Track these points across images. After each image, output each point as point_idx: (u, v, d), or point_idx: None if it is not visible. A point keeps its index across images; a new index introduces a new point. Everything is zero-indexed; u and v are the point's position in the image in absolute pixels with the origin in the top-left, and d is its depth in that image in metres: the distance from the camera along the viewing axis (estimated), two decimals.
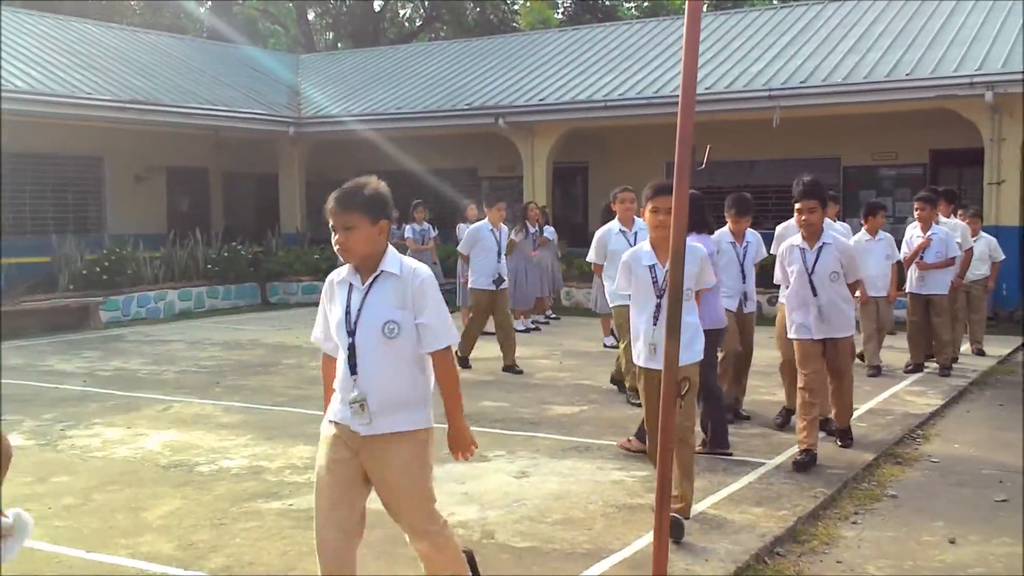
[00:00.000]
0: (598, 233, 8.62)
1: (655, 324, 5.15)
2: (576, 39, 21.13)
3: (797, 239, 6.76)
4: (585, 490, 5.92)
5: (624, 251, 6.01)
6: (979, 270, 11.33)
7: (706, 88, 16.07)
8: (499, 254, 10.51)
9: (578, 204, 20.38)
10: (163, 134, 18.20)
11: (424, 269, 3.65)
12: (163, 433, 7.61)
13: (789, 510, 5.50)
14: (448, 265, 16.75)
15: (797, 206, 6.62)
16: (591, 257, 8.70)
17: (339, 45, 37.80)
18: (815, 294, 6.54)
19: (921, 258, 9.97)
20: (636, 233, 8.32)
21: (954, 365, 10.26)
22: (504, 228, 10.93)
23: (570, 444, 7.11)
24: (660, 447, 3.26)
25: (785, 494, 5.80)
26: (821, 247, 6.58)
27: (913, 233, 10.19)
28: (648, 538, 4.44)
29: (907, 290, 10.22)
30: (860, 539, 5.21)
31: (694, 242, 5.25)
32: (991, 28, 15.70)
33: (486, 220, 10.79)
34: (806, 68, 16.08)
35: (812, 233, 6.60)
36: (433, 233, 15.29)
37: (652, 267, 5.23)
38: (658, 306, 5.11)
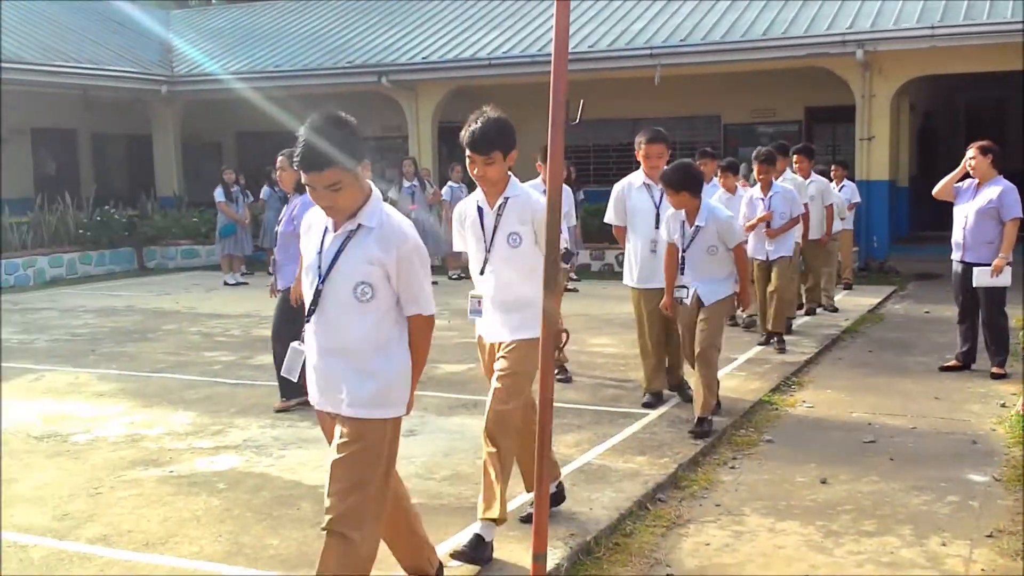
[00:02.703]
0: (615, 188, 7.26)
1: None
2: None
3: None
4: (473, 446, 5.94)
5: (648, 211, 6.84)
6: (837, 225, 11.35)
7: (589, 46, 16.16)
8: None
9: (464, 163, 20.28)
10: (27, 94, 17.29)
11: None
12: (35, 403, 7.32)
13: (670, 458, 5.64)
14: None
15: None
16: (609, 218, 7.31)
17: (213, 0, 36.51)
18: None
19: (768, 225, 9.03)
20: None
21: (823, 311, 10.88)
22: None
23: (458, 402, 7.13)
24: (540, 397, 3.28)
25: (667, 442, 5.94)
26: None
27: (753, 194, 9.27)
28: None
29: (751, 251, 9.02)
30: (738, 483, 5.39)
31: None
32: None
33: None
34: (686, 26, 16.29)
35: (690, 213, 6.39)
36: None
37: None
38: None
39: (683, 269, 6.41)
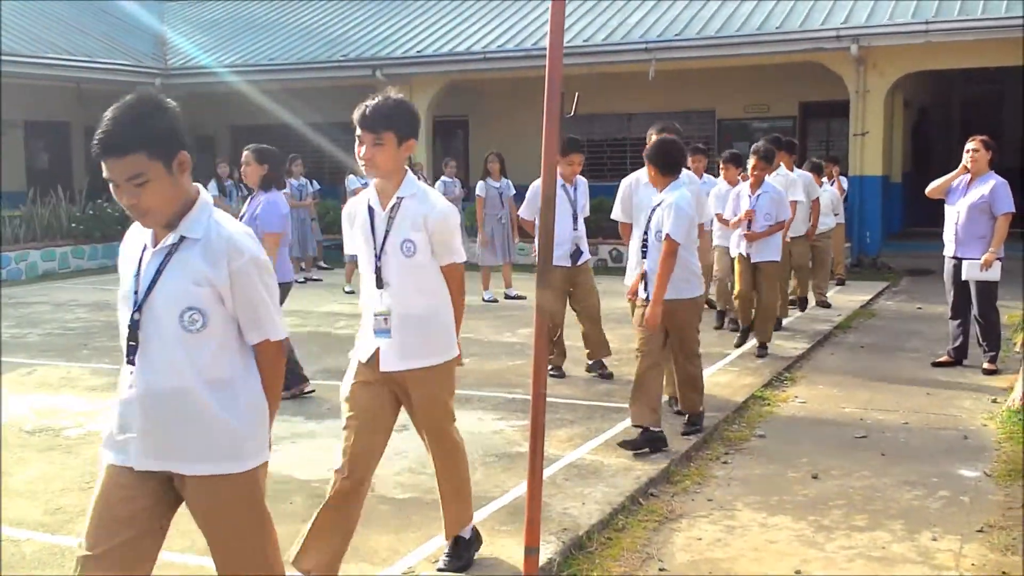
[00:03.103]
0: (622, 184, 7.20)
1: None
2: None
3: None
4: (465, 440, 5.93)
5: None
6: (827, 222, 11.27)
7: (584, 40, 16.16)
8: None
9: (459, 158, 20.26)
10: (20, 87, 17.23)
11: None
12: (28, 397, 7.31)
13: (663, 453, 5.65)
14: (329, 221, 16.52)
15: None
16: (616, 214, 7.24)
17: None
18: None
19: (749, 226, 8.58)
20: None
21: (814, 307, 10.84)
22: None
23: None
24: (533, 392, 3.29)
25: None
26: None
27: (741, 191, 8.83)
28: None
29: (732, 251, 8.93)
30: (730, 478, 5.41)
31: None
32: None
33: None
34: (681, 20, 16.29)
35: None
36: (311, 188, 15.03)
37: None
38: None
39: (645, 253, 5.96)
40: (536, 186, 6.81)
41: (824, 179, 12.81)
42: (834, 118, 17.17)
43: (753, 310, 8.78)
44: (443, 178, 14.91)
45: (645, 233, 5.95)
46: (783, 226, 8.70)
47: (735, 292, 8.94)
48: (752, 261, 8.60)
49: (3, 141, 18.21)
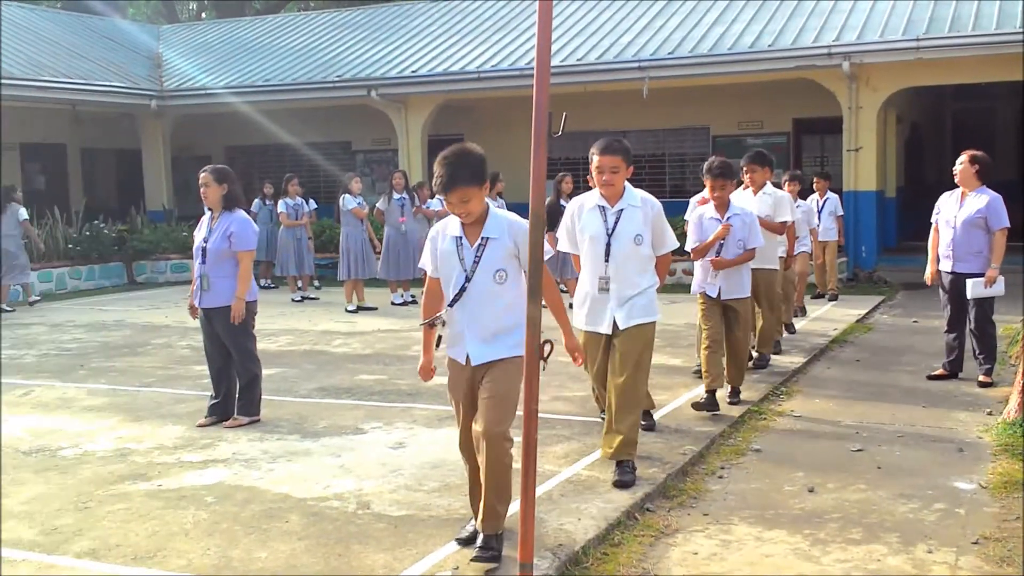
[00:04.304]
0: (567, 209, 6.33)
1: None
2: (448, 9, 20.99)
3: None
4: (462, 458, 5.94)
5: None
6: (803, 244, 10.60)
7: (578, 59, 16.24)
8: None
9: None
10: (16, 109, 17.29)
11: None
12: (24, 418, 7.30)
13: (659, 468, 5.66)
14: (324, 240, 16.56)
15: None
16: (563, 246, 5.98)
17: (203, 15, 36.55)
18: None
19: (717, 253, 7.16)
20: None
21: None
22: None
23: (447, 413, 7.06)
24: (524, 409, 3.30)
25: (656, 453, 5.95)
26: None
27: (704, 212, 7.35)
28: None
29: (696, 287, 7.37)
30: (726, 492, 5.41)
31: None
32: None
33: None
34: (674, 39, 16.38)
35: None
36: (306, 208, 15.06)
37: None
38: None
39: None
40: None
41: (816, 195, 12.86)
42: (828, 134, 17.25)
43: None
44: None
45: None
46: (753, 254, 7.29)
47: (704, 337, 7.19)
48: (721, 299, 7.17)
49: (1, 163, 18.25)
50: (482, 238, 4.32)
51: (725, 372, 7.17)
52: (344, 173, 14.98)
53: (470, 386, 4.42)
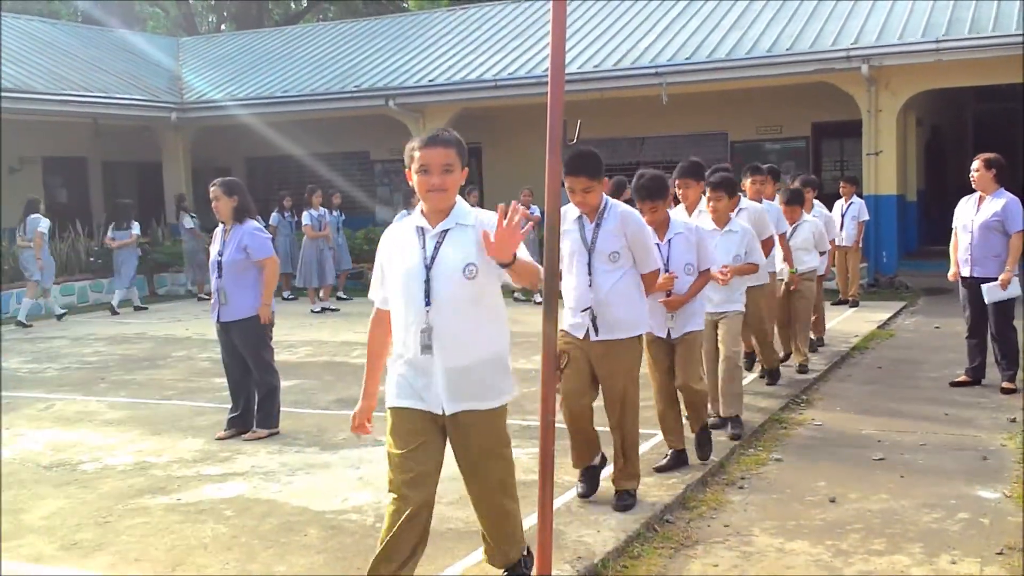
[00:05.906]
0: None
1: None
2: (465, 18, 21.05)
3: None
4: None
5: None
6: (806, 261, 8.96)
7: (595, 66, 16.23)
8: None
9: (473, 185, 20.36)
10: (37, 123, 17.46)
11: None
12: (44, 432, 7.35)
13: (679, 478, 5.62)
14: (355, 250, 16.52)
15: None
16: None
17: (222, 28, 36.84)
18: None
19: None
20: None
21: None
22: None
23: None
24: (541, 420, 3.28)
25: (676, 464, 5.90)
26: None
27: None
28: None
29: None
30: (747, 503, 5.36)
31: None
32: (867, 1, 16.19)
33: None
34: (691, 44, 16.33)
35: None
36: (328, 218, 15.11)
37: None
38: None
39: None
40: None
41: (841, 200, 12.75)
42: (847, 138, 17.15)
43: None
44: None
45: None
46: (708, 279, 5.98)
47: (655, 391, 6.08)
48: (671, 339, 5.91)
49: (23, 176, 18.40)
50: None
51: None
52: (363, 184, 15.13)
53: None
